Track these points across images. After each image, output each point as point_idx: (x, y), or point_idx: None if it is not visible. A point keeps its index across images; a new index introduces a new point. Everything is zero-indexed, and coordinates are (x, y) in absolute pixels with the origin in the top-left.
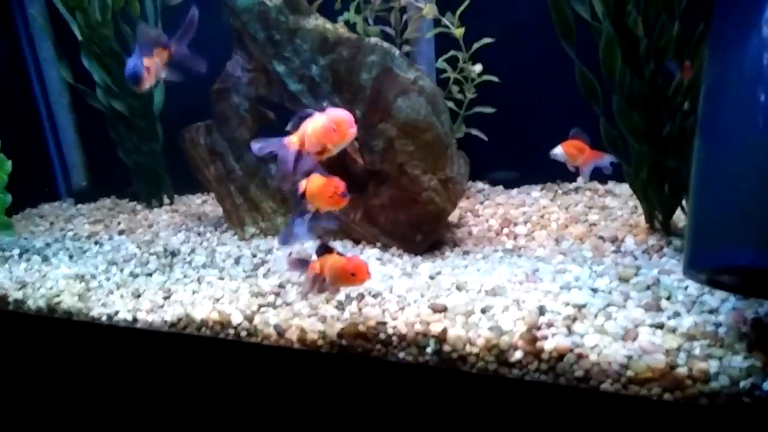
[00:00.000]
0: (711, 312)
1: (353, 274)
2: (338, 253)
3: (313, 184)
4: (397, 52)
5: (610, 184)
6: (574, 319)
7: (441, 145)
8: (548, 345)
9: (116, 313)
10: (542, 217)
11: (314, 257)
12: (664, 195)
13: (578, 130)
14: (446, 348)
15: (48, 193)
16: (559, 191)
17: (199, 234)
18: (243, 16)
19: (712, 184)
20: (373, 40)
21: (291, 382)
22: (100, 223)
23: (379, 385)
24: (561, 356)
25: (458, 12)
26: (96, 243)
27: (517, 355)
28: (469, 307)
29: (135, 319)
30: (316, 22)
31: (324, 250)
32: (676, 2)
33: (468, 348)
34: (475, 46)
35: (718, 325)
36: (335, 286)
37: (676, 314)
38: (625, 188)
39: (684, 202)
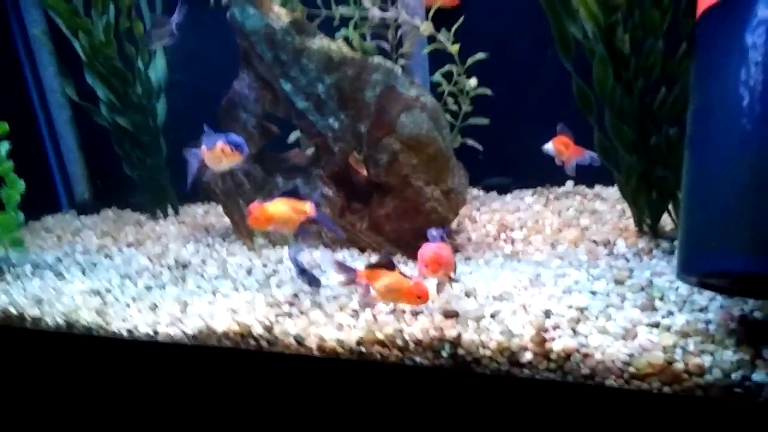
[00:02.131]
0: (701, 310)
1: (419, 297)
2: (401, 273)
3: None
4: (400, 70)
5: (598, 188)
6: (578, 321)
7: (443, 158)
8: (556, 346)
9: (136, 327)
10: (537, 222)
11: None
12: (652, 201)
13: (563, 126)
14: (461, 351)
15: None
16: (551, 196)
17: (208, 245)
18: (251, 37)
19: (701, 195)
20: (377, 59)
21: (312, 388)
22: (108, 236)
23: (397, 388)
24: (568, 356)
25: (453, 29)
26: (106, 256)
27: (528, 356)
28: (480, 313)
29: (156, 333)
30: (321, 42)
31: (383, 265)
32: (659, 24)
33: (481, 351)
34: (470, 61)
35: (708, 322)
36: (389, 300)
37: (670, 313)
38: (612, 192)
39: (670, 207)
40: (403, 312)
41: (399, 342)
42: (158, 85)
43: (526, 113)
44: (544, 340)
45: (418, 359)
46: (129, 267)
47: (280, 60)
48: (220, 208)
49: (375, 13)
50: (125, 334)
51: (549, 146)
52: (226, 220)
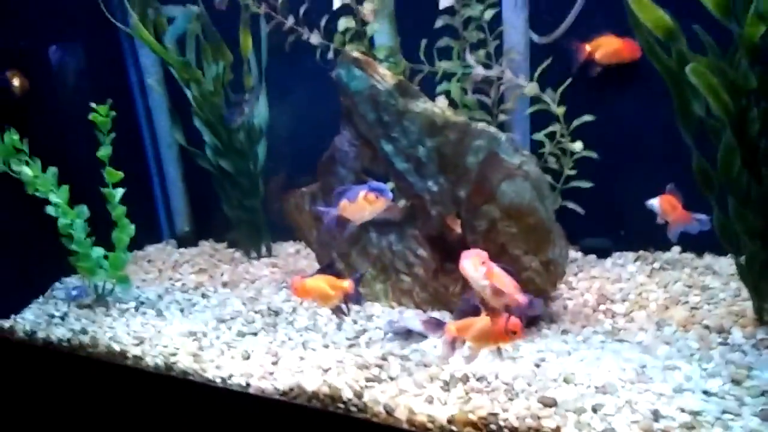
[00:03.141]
0: None
1: (514, 333)
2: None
3: None
4: (504, 136)
5: (708, 258)
6: (692, 428)
7: (543, 229)
8: None
9: (230, 376)
10: (640, 294)
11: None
12: None
13: (673, 186)
14: None
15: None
16: (656, 266)
17: (344, 311)
18: (355, 97)
19: None
20: (480, 125)
21: None
22: (205, 273)
23: None
24: None
25: (559, 90)
26: (203, 296)
27: None
28: (579, 404)
29: (248, 384)
30: (424, 105)
31: (471, 312)
32: None
33: None
34: (575, 123)
35: None
36: (484, 346)
37: None
38: (724, 264)
39: None
40: (493, 391)
41: (493, 427)
42: (260, 131)
43: (633, 176)
44: None
45: None
46: (223, 309)
47: (382, 121)
48: (310, 252)
49: (479, 71)
50: (219, 381)
51: (654, 202)
52: (317, 267)
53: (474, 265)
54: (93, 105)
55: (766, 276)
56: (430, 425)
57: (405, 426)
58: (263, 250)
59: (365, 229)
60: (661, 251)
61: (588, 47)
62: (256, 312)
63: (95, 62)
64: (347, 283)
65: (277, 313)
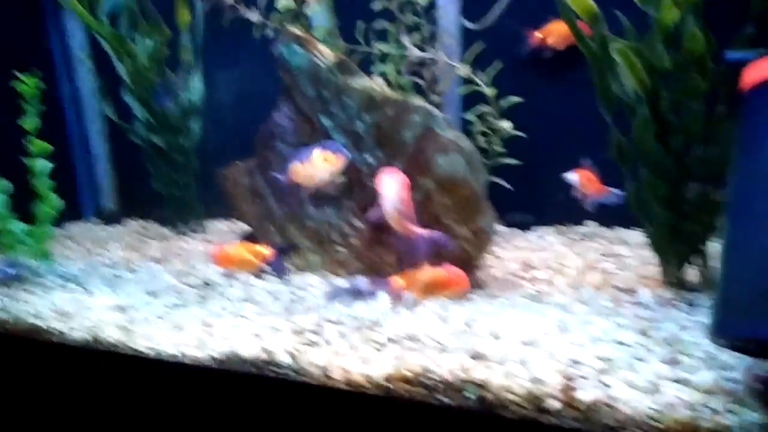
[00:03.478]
0: (726, 369)
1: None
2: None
3: None
4: (439, 113)
5: (619, 231)
6: (606, 372)
7: (475, 200)
8: (584, 396)
9: (162, 348)
10: (559, 262)
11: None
12: (680, 253)
13: (590, 161)
14: (488, 395)
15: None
16: (574, 237)
17: (267, 271)
18: (295, 73)
19: (742, 262)
20: (417, 101)
21: (336, 421)
22: (133, 250)
23: (423, 427)
24: (595, 407)
25: (491, 74)
26: (131, 271)
27: (555, 404)
28: (507, 356)
29: (182, 354)
30: (363, 82)
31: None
32: (702, 89)
33: (509, 396)
34: (504, 104)
35: (734, 381)
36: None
37: (695, 369)
38: (633, 236)
39: (696, 261)
40: (426, 349)
41: (427, 381)
42: (194, 107)
43: (554, 155)
44: (571, 389)
45: (444, 400)
46: (154, 283)
47: (322, 96)
48: (244, 226)
49: (414, 52)
50: (151, 353)
51: (571, 175)
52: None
53: (392, 185)
54: (18, 75)
55: (672, 241)
56: (366, 384)
57: (342, 386)
58: (196, 226)
59: (304, 203)
60: (578, 225)
61: (539, 34)
62: (188, 285)
63: (10, 26)
64: (267, 251)
65: (210, 286)
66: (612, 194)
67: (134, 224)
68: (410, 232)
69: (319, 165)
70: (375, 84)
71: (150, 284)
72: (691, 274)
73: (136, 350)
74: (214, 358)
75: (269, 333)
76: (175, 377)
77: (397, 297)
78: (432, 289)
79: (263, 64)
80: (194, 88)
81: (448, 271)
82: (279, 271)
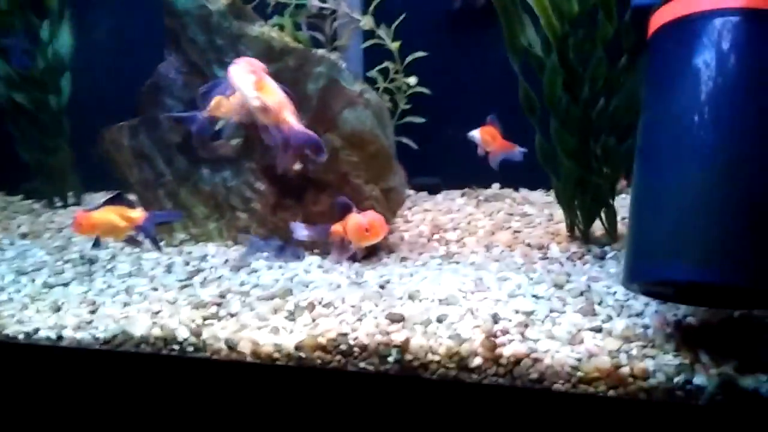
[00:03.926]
0: (638, 315)
1: (367, 230)
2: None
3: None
4: (344, 64)
5: (524, 192)
6: (526, 326)
7: (385, 157)
8: (506, 351)
9: (36, 330)
10: (469, 223)
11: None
12: (586, 206)
13: (494, 117)
14: (408, 357)
15: None
16: (481, 198)
17: (138, 241)
18: (182, 17)
19: (651, 205)
20: (320, 51)
21: (246, 397)
22: None
23: (340, 395)
24: (518, 361)
25: (393, 26)
26: None
27: (477, 361)
28: (426, 316)
29: (60, 337)
30: (261, 29)
31: (343, 209)
32: (608, 35)
33: (430, 356)
34: (409, 58)
35: (646, 327)
36: (357, 245)
37: (610, 318)
38: (538, 196)
39: (602, 214)
40: (341, 314)
41: (343, 347)
42: (61, 60)
43: (459, 113)
44: (494, 345)
45: (362, 365)
46: (24, 261)
47: (214, 45)
48: (131, 198)
49: (313, 2)
50: (21, 338)
51: (475, 134)
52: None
53: (242, 73)
54: None
55: (578, 194)
56: (276, 354)
57: (249, 359)
58: (71, 198)
59: (196, 166)
60: (483, 188)
61: None
62: (65, 261)
63: None
64: (137, 214)
65: (92, 261)
66: (516, 151)
67: None
68: (284, 122)
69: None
70: (274, 32)
71: (19, 262)
72: (598, 227)
73: (4, 335)
74: (97, 339)
75: (165, 308)
76: (54, 362)
77: (341, 248)
78: (364, 237)
79: (144, 8)
80: (62, 38)
81: (374, 217)
82: (150, 238)
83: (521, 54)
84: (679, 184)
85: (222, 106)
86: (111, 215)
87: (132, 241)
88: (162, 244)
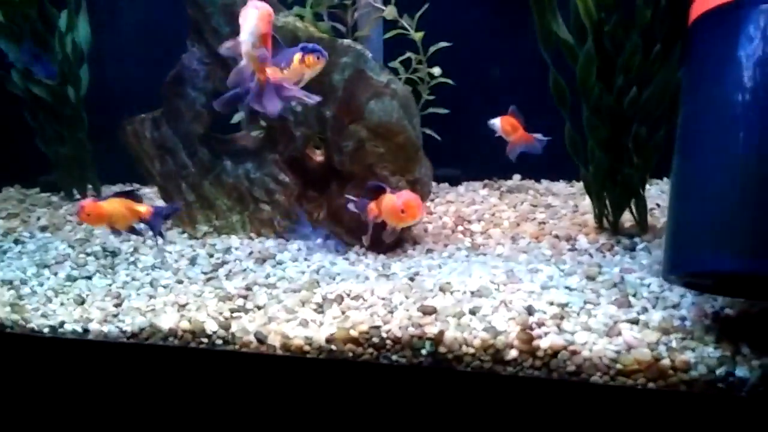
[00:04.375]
0: (674, 307)
1: (403, 212)
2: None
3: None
4: (370, 54)
5: (546, 183)
6: (561, 317)
7: (412, 148)
8: (543, 343)
9: (61, 324)
10: (493, 215)
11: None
12: (616, 197)
13: (515, 108)
14: (442, 349)
15: None
16: (503, 189)
17: (140, 232)
18: (206, 8)
19: (695, 195)
20: (346, 41)
21: (276, 390)
22: (15, 218)
23: (372, 388)
24: (555, 353)
25: (417, 15)
26: (16, 242)
27: (513, 353)
28: (458, 309)
29: (86, 330)
30: (286, 19)
31: (376, 190)
32: (648, 23)
33: (464, 348)
34: (432, 49)
35: (683, 318)
36: (392, 226)
37: (645, 310)
38: (561, 187)
39: (632, 205)
40: (371, 307)
41: (375, 340)
42: (81, 52)
43: (482, 105)
44: (531, 338)
45: (394, 357)
46: (46, 254)
47: (238, 35)
48: (146, 191)
49: None
50: (47, 331)
51: (495, 122)
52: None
53: (252, 15)
54: None
55: (608, 185)
56: (307, 347)
57: (280, 352)
58: (90, 190)
59: (219, 158)
60: (504, 180)
61: None
62: (88, 254)
63: None
64: (144, 208)
65: (114, 254)
66: (536, 142)
67: (11, 191)
68: (261, 71)
69: (300, 70)
70: (299, 21)
71: (41, 255)
72: (626, 219)
73: (29, 329)
74: (125, 332)
75: (191, 301)
76: (81, 356)
77: (375, 227)
78: (400, 218)
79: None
80: (80, 29)
81: (410, 197)
82: (156, 232)
83: (553, 43)
84: (725, 174)
85: (278, 78)
86: (118, 207)
87: (132, 231)
88: (184, 236)
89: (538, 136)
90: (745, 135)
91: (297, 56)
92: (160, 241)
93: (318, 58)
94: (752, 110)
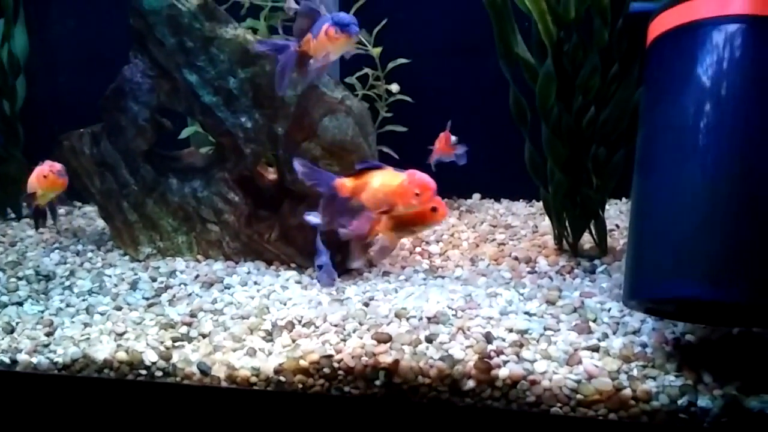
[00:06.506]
0: (634, 333)
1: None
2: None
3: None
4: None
5: (505, 202)
6: (521, 345)
7: None
8: (502, 373)
9: None
10: (452, 235)
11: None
12: (576, 219)
13: (449, 124)
14: (396, 380)
15: None
16: (463, 209)
17: (77, 253)
18: (149, 18)
19: (654, 221)
20: None
21: (220, 426)
22: None
23: (323, 421)
24: (514, 383)
25: (375, 31)
26: None
27: (470, 383)
28: (414, 336)
29: (14, 362)
30: (235, 32)
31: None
32: (599, 43)
33: (420, 379)
34: (391, 65)
35: (644, 345)
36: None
37: (606, 336)
38: (520, 207)
39: (591, 226)
40: (323, 334)
41: (326, 370)
42: (18, 64)
43: (440, 123)
44: (489, 368)
45: (346, 389)
46: None
47: (184, 47)
48: (87, 210)
49: (291, 4)
50: None
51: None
52: (100, 224)
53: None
54: None
55: (567, 205)
56: (254, 379)
57: (225, 384)
58: (25, 209)
59: (163, 175)
60: (464, 198)
61: None
62: (19, 278)
63: None
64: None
65: (48, 278)
66: (455, 156)
67: None
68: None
69: (323, 43)
70: (249, 34)
71: None
72: (586, 240)
73: None
74: (56, 363)
75: (130, 329)
76: (8, 388)
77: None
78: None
79: (108, 8)
80: (17, 39)
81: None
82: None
83: (513, 61)
84: (683, 199)
85: (309, 46)
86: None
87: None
88: (125, 258)
89: (460, 147)
90: (702, 158)
91: (324, 28)
92: None
93: (337, 32)
94: (708, 133)
